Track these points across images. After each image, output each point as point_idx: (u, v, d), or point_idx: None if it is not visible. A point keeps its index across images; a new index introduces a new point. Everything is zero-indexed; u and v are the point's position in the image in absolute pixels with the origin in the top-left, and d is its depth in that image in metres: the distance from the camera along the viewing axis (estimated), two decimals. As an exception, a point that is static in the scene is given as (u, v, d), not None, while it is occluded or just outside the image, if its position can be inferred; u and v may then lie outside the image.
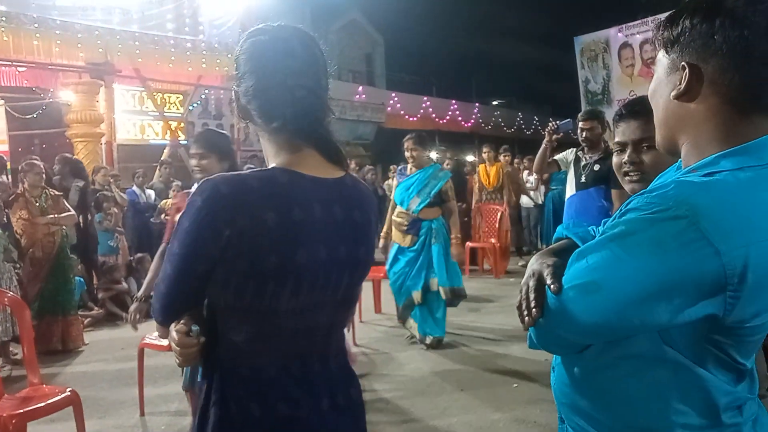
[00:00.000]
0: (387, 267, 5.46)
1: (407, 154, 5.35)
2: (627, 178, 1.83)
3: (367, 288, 6.14)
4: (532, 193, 10.08)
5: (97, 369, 4.92)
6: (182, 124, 12.22)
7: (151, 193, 8.70)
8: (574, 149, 4.84)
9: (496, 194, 9.00)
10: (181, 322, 1.24)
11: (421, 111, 21.63)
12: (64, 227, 5.72)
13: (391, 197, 5.75)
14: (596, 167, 4.56)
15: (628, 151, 1.81)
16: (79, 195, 6.61)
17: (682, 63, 0.99)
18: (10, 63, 9.15)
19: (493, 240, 8.74)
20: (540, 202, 9.99)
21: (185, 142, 11.91)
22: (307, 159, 1.28)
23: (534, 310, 1.00)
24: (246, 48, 1.30)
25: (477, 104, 25.55)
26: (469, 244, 8.98)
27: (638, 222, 0.93)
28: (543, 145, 4.96)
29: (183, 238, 1.20)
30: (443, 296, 5.23)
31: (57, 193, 5.86)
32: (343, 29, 22.03)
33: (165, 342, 4.02)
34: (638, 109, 1.81)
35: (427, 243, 5.25)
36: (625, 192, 4.91)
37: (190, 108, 12.51)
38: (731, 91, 0.96)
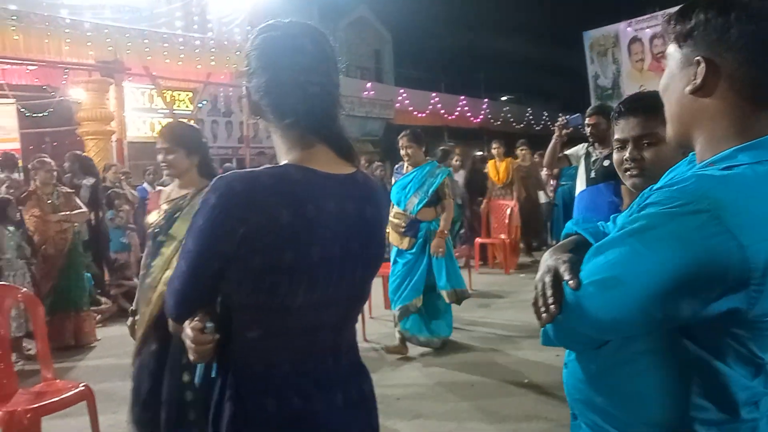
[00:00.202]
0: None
1: (402, 152, 5.15)
2: (627, 173, 1.82)
3: (376, 284, 6.14)
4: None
5: (110, 364, 4.96)
6: (192, 122, 12.26)
7: (162, 189, 8.73)
8: (585, 144, 4.82)
9: (506, 190, 8.97)
10: (196, 319, 1.24)
11: (430, 107, 21.58)
12: (75, 224, 5.76)
13: None
14: (606, 162, 4.54)
15: (629, 147, 1.79)
16: (91, 192, 6.65)
17: (697, 57, 0.98)
18: (20, 62, 9.22)
19: (502, 236, 8.73)
20: (550, 198, 9.95)
21: (195, 139, 11.94)
22: (319, 155, 1.28)
23: (552, 306, 1.00)
24: (257, 44, 1.30)
25: (486, 100, 25.45)
26: (478, 240, 8.98)
27: (659, 216, 0.93)
28: (553, 141, 4.94)
29: (197, 235, 1.20)
30: (447, 300, 5.08)
31: (68, 190, 5.91)
32: (351, 26, 22.00)
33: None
34: (637, 106, 1.80)
35: (427, 246, 5.03)
36: (635, 188, 4.86)
37: (199, 105, 12.56)
38: (747, 85, 0.96)
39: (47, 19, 8.86)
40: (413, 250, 5.04)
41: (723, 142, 0.99)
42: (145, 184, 8.49)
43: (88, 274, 6.28)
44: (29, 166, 6.00)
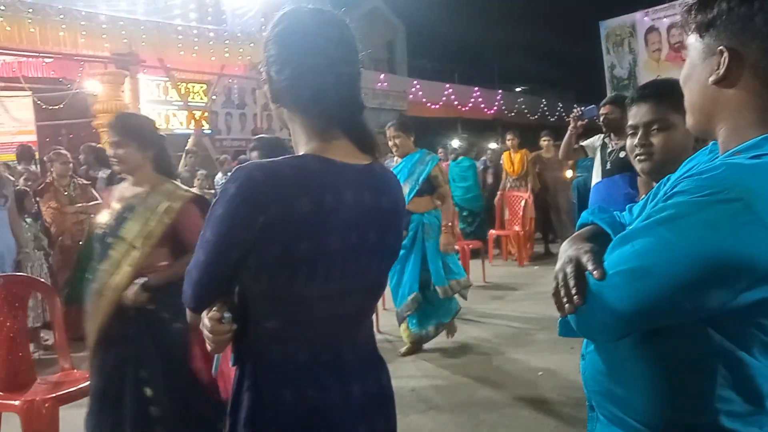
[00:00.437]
0: None
1: (390, 142, 4.93)
2: (637, 159, 1.89)
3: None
4: None
5: (126, 355, 5.00)
6: (206, 114, 12.32)
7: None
8: (602, 135, 4.78)
9: (521, 182, 8.93)
10: (214, 309, 1.25)
11: (443, 98, 21.52)
12: (92, 215, 5.81)
13: None
14: (622, 154, 4.50)
15: (639, 133, 1.85)
16: (107, 183, 6.70)
17: (720, 47, 0.97)
18: (37, 54, 9.29)
19: (517, 227, 8.70)
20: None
21: (209, 131, 12.02)
22: (338, 146, 1.27)
23: (576, 297, 0.98)
24: (281, 30, 1.28)
25: (500, 91, 25.34)
26: (492, 231, 8.96)
27: (689, 205, 0.91)
28: (568, 132, 4.90)
29: (216, 225, 1.20)
30: (441, 295, 4.75)
31: (85, 182, 5.96)
32: (364, 17, 21.94)
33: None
34: (648, 93, 1.85)
35: (418, 239, 4.78)
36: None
37: (213, 97, 12.60)
38: None
39: (63, 11, 8.91)
40: (404, 243, 4.77)
41: (748, 132, 0.98)
42: (160, 176, 8.52)
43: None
44: (45, 158, 6.05)
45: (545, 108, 26.80)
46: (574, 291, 0.99)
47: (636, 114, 1.85)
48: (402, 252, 4.69)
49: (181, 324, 2.50)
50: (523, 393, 3.97)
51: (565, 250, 1.07)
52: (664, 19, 13.22)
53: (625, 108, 4.87)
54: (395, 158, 5.10)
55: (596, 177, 4.72)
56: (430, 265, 4.75)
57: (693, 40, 1.03)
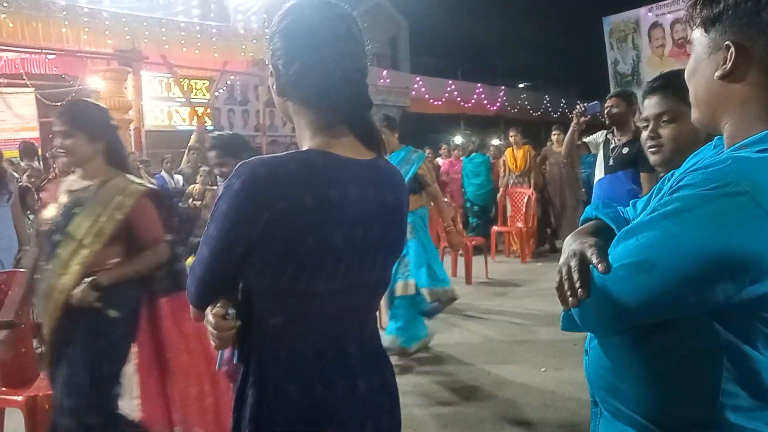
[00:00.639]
0: None
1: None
2: (649, 151, 1.96)
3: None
4: None
5: (129, 351, 5.02)
6: (209, 110, 12.32)
7: (179, 178, 8.80)
8: (605, 131, 4.77)
9: (524, 178, 8.92)
10: (218, 305, 1.24)
11: (446, 95, 21.48)
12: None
13: None
14: (625, 150, 4.49)
15: (650, 125, 1.92)
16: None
17: (726, 42, 0.97)
18: (39, 50, 9.29)
19: (519, 224, 8.69)
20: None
21: (212, 127, 12.01)
22: (343, 141, 1.27)
23: (580, 290, 0.97)
24: (291, 22, 1.27)
25: (503, 87, 25.28)
26: (495, 228, 8.95)
27: (695, 198, 0.91)
28: (571, 128, 4.89)
29: (221, 221, 1.20)
30: (428, 299, 4.49)
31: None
32: (367, 13, 21.84)
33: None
34: (657, 85, 1.93)
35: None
36: (654, 175, 4.84)
37: (216, 94, 12.60)
38: None
39: (66, 8, 8.91)
40: None
41: (754, 126, 0.97)
42: (163, 173, 8.55)
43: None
44: (48, 154, 6.05)
45: (548, 104, 26.75)
46: (578, 284, 0.98)
47: (647, 107, 1.92)
48: None
49: (124, 329, 2.48)
50: (526, 389, 3.97)
51: (569, 244, 1.07)
52: (668, 15, 13.17)
53: (630, 102, 4.90)
54: None
55: (599, 173, 4.72)
56: (411, 267, 4.52)
57: (698, 35, 1.03)
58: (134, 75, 10.16)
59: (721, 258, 0.87)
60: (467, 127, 23.79)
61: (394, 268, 4.25)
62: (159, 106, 11.72)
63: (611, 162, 4.56)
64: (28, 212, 5.21)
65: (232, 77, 12.92)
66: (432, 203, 4.79)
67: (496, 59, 28.12)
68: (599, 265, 0.96)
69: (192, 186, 8.68)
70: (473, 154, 9.77)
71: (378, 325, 1.47)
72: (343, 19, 1.27)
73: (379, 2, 22.66)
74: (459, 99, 22.04)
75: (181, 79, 11.66)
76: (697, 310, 0.93)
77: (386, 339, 4.36)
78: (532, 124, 22.83)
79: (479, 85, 23.44)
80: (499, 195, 9.13)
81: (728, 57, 0.97)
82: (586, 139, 4.95)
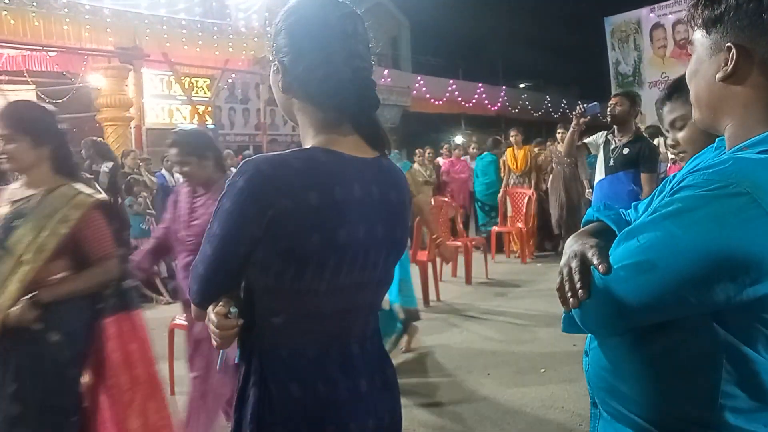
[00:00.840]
0: None
1: None
2: (678, 158, 2.03)
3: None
4: None
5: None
6: (209, 108, 12.31)
7: (180, 176, 8.78)
8: (605, 132, 4.78)
9: (524, 178, 8.92)
10: (220, 304, 1.24)
11: (447, 94, 21.47)
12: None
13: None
14: (625, 150, 4.50)
15: (669, 135, 1.97)
16: (109, 177, 6.71)
17: (728, 44, 0.96)
18: (40, 48, 9.29)
19: (520, 224, 8.69)
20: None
21: (212, 126, 12.01)
22: (347, 139, 1.27)
23: (580, 291, 0.97)
24: (298, 20, 1.26)
25: (504, 87, 25.27)
26: (495, 228, 8.96)
27: (696, 199, 0.91)
28: (571, 129, 4.89)
29: (224, 219, 1.19)
30: (400, 316, 4.46)
31: (88, 176, 5.95)
32: (368, 12, 21.72)
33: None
34: (665, 95, 1.99)
35: None
36: (654, 175, 4.83)
37: (218, 92, 12.59)
38: None
39: (67, 5, 8.91)
40: None
41: (756, 128, 0.97)
42: (163, 171, 8.55)
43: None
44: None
45: (549, 104, 26.75)
46: (578, 285, 0.98)
47: (664, 116, 1.98)
48: None
49: (70, 353, 2.23)
50: (525, 390, 3.97)
51: (571, 245, 1.07)
52: (670, 16, 13.17)
53: (634, 103, 4.92)
54: None
55: (599, 174, 4.72)
56: None
57: (699, 36, 1.03)
58: (135, 72, 10.15)
59: (721, 259, 0.87)
60: (468, 126, 23.78)
61: None
62: (160, 103, 11.70)
63: (611, 162, 4.57)
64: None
65: (233, 75, 12.91)
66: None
67: (498, 59, 28.13)
68: (600, 266, 0.96)
69: (192, 184, 8.66)
70: (484, 153, 9.83)
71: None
72: (350, 17, 1.27)
73: (381, 1, 22.65)
74: (460, 99, 22.02)
75: (182, 77, 11.64)
76: (697, 311, 0.93)
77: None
78: (533, 124, 22.81)
79: (480, 84, 23.43)
80: (499, 195, 9.13)
81: (729, 59, 0.96)
82: (586, 140, 4.96)
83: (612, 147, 4.60)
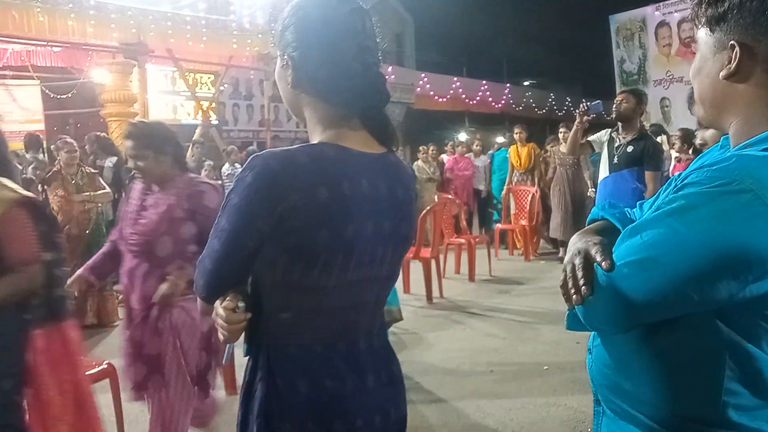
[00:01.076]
0: None
1: None
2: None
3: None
4: None
5: (132, 344, 5.03)
6: (213, 105, 12.31)
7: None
8: (609, 130, 4.78)
9: (527, 175, 8.91)
10: (228, 298, 1.24)
11: (451, 92, 21.43)
12: (99, 204, 5.85)
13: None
14: (629, 148, 4.49)
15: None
16: (113, 172, 6.73)
17: (731, 42, 0.96)
18: (45, 43, 9.29)
19: (523, 222, 8.68)
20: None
21: (216, 122, 12.02)
22: (354, 135, 1.27)
23: (583, 288, 0.97)
24: (308, 15, 1.26)
25: (508, 85, 25.21)
26: (498, 225, 8.95)
27: (699, 196, 0.91)
28: (574, 127, 4.88)
29: (232, 214, 1.19)
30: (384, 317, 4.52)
31: (93, 170, 5.98)
32: (372, 9, 21.33)
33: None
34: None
35: None
36: (659, 174, 4.83)
37: (221, 88, 12.59)
38: None
39: (72, 0, 8.91)
40: None
41: (759, 126, 0.97)
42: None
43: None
44: (53, 147, 6.07)
45: (553, 102, 26.68)
46: (582, 282, 0.98)
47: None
48: None
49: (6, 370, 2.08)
50: (528, 387, 3.97)
51: (575, 242, 1.07)
52: (675, 14, 13.12)
53: (640, 101, 4.92)
54: None
55: (603, 172, 4.72)
56: None
57: (703, 34, 1.03)
58: (140, 68, 10.14)
59: (724, 255, 0.87)
60: (472, 124, 23.73)
61: None
62: (164, 99, 11.71)
63: (615, 160, 4.57)
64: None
65: (237, 72, 12.90)
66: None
67: (502, 57, 28.07)
68: (603, 263, 0.96)
69: (196, 180, 8.68)
70: (500, 149, 9.87)
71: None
72: (359, 13, 1.28)
73: (385, -2, 22.62)
74: (464, 96, 21.98)
75: (187, 73, 11.64)
76: (700, 309, 0.93)
77: None
78: (537, 122, 22.76)
79: (484, 82, 23.38)
80: (503, 192, 9.12)
81: (733, 57, 0.96)
82: (590, 138, 4.95)
83: (616, 145, 4.60)
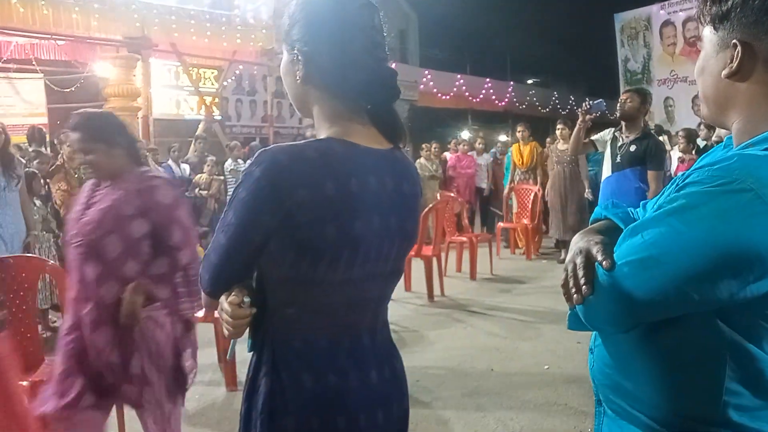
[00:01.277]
0: None
1: (308, 133, 4.22)
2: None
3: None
4: None
5: (133, 338, 5.03)
6: (216, 100, 12.31)
7: (186, 167, 8.82)
8: (612, 129, 4.77)
9: (529, 174, 8.90)
10: (233, 293, 1.24)
11: (455, 89, 21.40)
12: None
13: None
14: (632, 148, 4.49)
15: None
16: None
17: (733, 41, 0.97)
18: (49, 36, 9.30)
19: (525, 221, 8.68)
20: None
21: (219, 117, 12.01)
22: (362, 130, 1.27)
23: (584, 287, 0.97)
24: (317, 11, 1.26)
25: (511, 83, 25.17)
26: (500, 224, 8.94)
27: (700, 195, 0.91)
28: (577, 126, 4.87)
29: (240, 208, 1.18)
30: None
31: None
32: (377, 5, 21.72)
33: (199, 314, 4.07)
34: None
35: None
36: (662, 173, 4.82)
37: (225, 83, 12.59)
38: None
39: (76, -6, 8.92)
40: None
41: (761, 125, 0.97)
42: (170, 162, 8.57)
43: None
44: (56, 140, 6.07)
45: (557, 101, 26.63)
46: (582, 281, 0.98)
47: None
48: None
49: None
50: (529, 386, 3.97)
51: (576, 242, 1.07)
52: (680, 13, 13.09)
53: (645, 101, 4.91)
54: None
55: (606, 171, 4.71)
56: None
57: (708, 32, 1.03)
58: (143, 62, 10.16)
59: (725, 255, 0.87)
60: (475, 122, 23.72)
61: None
62: (167, 94, 11.70)
63: (618, 159, 4.56)
64: (35, 197, 5.22)
65: (240, 67, 12.90)
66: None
67: (506, 54, 28.00)
68: (603, 262, 0.96)
69: (199, 175, 8.70)
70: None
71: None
72: (368, 8, 1.27)
73: (390, -6, 22.58)
74: (467, 94, 21.95)
75: (190, 68, 11.64)
76: (701, 308, 0.93)
77: None
78: (540, 121, 22.74)
79: (488, 80, 23.34)
80: (504, 192, 9.10)
81: (735, 56, 0.97)
82: (593, 137, 4.94)
83: (619, 144, 4.59)
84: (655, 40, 13.67)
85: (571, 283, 1.01)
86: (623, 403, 1.05)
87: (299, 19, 1.26)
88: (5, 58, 9.62)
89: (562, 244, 8.18)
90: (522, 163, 8.91)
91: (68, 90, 10.17)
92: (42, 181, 5.46)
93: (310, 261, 1.18)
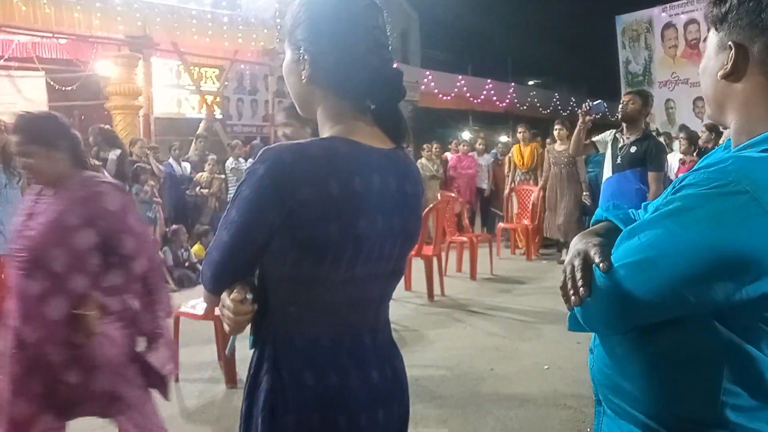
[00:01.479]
0: None
1: (279, 132, 4.16)
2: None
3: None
4: None
5: (133, 336, 5.04)
6: (218, 99, 12.31)
7: (187, 166, 8.84)
8: (613, 131, 4.78)
9: (530, 175, 8.90)
10: (235, 290, 1.24)
11: (456, 90, 21.39)
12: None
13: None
14: (633, 149, 4.50)
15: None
16: (117, 165, 6.73)
17: (729, 42, 0.98)
18: (51, 35, 9.30)
19: (525, 221, 8.68)
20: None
21: (221, 116, 12.02)
22: (365, 130, 1.27)
23: (582, 289, 0.98)
24: (322, 11, 1.26)
25: (512, 84, 25.16)
26: (501, 225, 8.94)
27: (696, 197, 0.91)
28: (578, 127, 4.88)
29: (243, 206, 1.19)
30: None
31: (97, 163, 5.98)
32: (379, 5, 21.71)
33: (200, 311, 4.08)
34: None
35: None
36: (662, 175, 4.83)
37: (226, 83, 12.58)
38: None
39: (78, -8, 8.92)
40: None
41: (757, 126, 0.98)
42: (171, 160, 8.58)
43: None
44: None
45: (558, 102, 26.62)
46: (580, 283, 0.99)
47: None
48: None
49: None
50: (529, 386, 3.98)
51: (575, 244, 1.08)
52: (682, 16, 13.08)
53: (646, 103, 4.92)
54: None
55: (607, 172, 4.72)
56: None
57: (710, 34, 1.05)
58: (145, 61, 10.15)
59: (721, 257, 0.88)
60: (476, 123, 23.70)
61: None
62: (168, 93, 11.69)
63: (619, 160, 4.57)
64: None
65: (242, 66, 12.89)
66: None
67: (507, 56, 28.00)
68: (601, 264, 0.97)
69: (199, 174, 8.72)
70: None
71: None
72: (373, 8, 1.28)
73: (391, -5, 22.57)
74: (468, 95, 21.93)
75: (192, 67, 11.64)
76: (697, 310, 0.93)
77: None
78: (541, 122, 22.75)
79: (489, 81, 23.33)
80: (505, 192, 9.11)
81: (729, 57, 0.98)
82: (594, 138, 4.95)
83: (620, 145, 4.60)
84: (657, 42, 13.66)
85: (569, 285, 1.02)
86: (622, 403, 1.06)
87: (304, 19, 1.27)
88: (7, 57, 9.62)
89: (562, 245, 8.17)
90: (522, 164, 8.92)
91: (70, 88, 10.17)
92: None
93: (313, 260, 1.18)
